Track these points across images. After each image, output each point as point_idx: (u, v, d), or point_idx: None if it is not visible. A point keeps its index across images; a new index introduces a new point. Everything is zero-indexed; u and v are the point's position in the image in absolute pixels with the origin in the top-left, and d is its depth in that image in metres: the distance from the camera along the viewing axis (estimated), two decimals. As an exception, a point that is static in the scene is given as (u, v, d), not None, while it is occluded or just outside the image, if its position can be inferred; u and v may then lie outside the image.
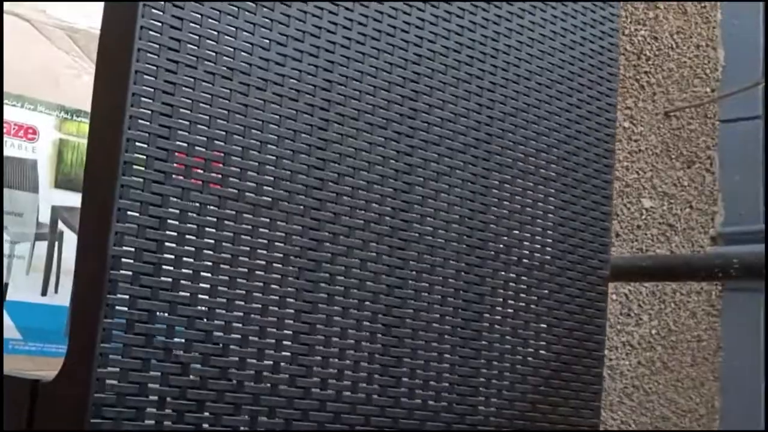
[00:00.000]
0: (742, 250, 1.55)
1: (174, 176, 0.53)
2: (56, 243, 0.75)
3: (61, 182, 0.76)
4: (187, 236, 0.53)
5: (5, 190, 0.72)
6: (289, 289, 0.57)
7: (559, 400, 0.71)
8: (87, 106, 0.80)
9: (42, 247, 0.74)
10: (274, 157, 0.57)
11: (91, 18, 0.83)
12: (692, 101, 1.80)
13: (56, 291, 0.74)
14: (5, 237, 0.72)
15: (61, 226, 0.73)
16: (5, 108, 0.75)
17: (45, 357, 0.72)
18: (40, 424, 0.51)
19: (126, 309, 0.50)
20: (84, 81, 0.81)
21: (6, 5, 0.80)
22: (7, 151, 0.74)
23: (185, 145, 0.54)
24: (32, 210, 0.71)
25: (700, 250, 1.79)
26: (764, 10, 1.69)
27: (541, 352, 0.70)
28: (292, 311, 0.56)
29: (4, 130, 0.73)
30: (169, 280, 0.52)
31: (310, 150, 0.59)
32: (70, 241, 0.76)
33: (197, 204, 0.54)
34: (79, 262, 0.51)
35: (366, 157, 0.61)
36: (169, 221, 0.52)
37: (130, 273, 0.51)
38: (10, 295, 0.72)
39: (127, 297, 0.50)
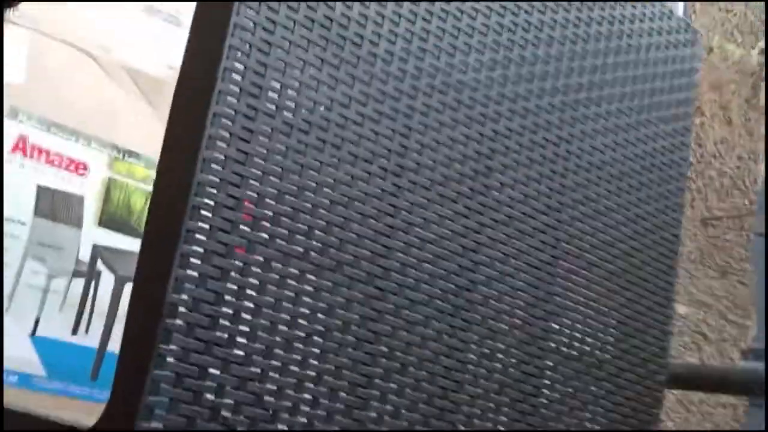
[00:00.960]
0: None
1: (241, 226, 0.50)
2: (93, 282, 0.72)
3: (106, 221, 0.73)
4: (248, 291, 0.50)
5: (48, 222, 0.69)
6: (345, 360, 0.53)
7: None
8: (140, 148, 0.78)
9: (78, 284, 0.71)
10: (342, 219, 0.54)
11: (154, 61, 0.82)
12: (730, 211, 1.78)
13: (87, 331, 0.71)
14: (43, 270, 0.69)
15: (99, 265, 0.70)
16: (59, 140, 0.73)
17: (67, 398, 0.68)
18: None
19: (177, 361, 0.47)
20: (140, 123, 0.79)
21: (72, 40, 0.79)
22: (56, 184, 0.71)
23: (255, 195, 0.51)
24: (73, 246, 0.69)
25: (730, 362, 1.74)
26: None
27: (591, 456, 0.66)
28: (346, 383, 0.53)
29: (55, 162, 0.71)
30: (225, 335, 0.48)
31: (378, 215, 0.56)
32: (108, 281, 0.73)
33: (261, 258, 0.51)
34: (133, 305, 0.48)
35: (434, 229, 0.59)
36: (231, 274, 0.49)
37: (184, 324, 0.47)
38: (41, 331, 0.69)
39: (180, 349, 0.47)
